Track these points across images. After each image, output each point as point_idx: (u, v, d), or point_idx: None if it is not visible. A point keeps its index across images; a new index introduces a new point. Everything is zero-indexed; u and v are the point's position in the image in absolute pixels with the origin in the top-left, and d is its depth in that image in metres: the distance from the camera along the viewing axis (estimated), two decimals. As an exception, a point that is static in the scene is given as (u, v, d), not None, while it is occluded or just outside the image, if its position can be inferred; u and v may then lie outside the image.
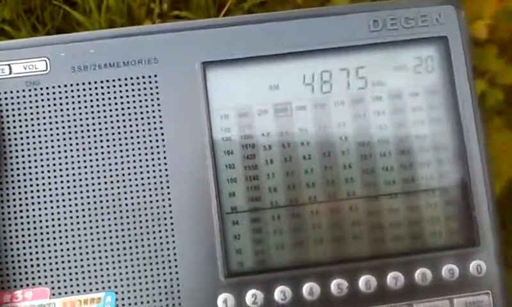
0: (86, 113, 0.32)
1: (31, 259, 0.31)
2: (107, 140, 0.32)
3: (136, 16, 0.44)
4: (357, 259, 0.32)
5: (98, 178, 0.32)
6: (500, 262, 0.32)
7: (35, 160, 0.31)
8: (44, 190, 0.31)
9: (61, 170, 0.31)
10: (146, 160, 0.32)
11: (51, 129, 0.32)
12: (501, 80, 0.43)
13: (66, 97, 0.32)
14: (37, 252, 0.31)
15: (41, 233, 0.31)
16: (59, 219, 0.31)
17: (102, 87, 0.32)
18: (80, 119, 0.32)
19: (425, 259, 0.32)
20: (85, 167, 0.32)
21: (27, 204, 0.31)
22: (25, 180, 0.31)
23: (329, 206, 0.32)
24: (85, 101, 0.32)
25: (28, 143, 0.32)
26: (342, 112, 0.33)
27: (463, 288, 0.31)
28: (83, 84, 0.32)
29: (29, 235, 0.31)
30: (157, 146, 0.32)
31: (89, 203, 0.31)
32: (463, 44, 0.33)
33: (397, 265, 0.31)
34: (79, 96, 0.32)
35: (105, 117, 0.32)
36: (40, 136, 0.32)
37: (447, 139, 0.33)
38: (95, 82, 0.32)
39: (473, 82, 0.33)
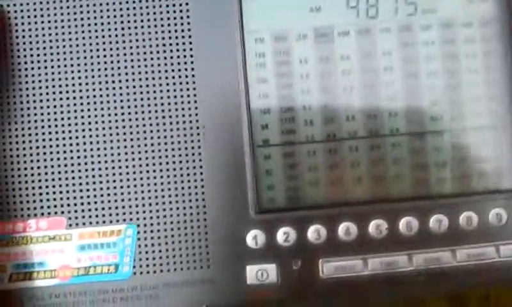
0: (109, 30, 0.29)
1: (46, 187, 0.29)
2: (132, 60, 0.29)
3: None
4: (398, 200, 0.29)
5: (121, 101, 0.29)
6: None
7: (53, 79, 0.29)
8: (62, 112, 0.29)
9: (80, 91, 0.29)
10: (174, 83, 0.29)
11: (71, 46, 0.29)
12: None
13: (88, 5, 0.29)
14: (53, 179, 0.29)
15: (58, 158, 0.29)
16: (77, 144, 0.29)
17: (127, 2, 0.29)
18: (103, 37, 0.29)
19: (472, 202, 0.29)
20: (107, 88, 0.29)
21: (43, 127, 0.29)
22: (41, 101, 0.29)
23: (370, 142, 0.30)
24: (108, 16, 0.29)
25: (45, 60, 0.29)
26: (388, 40, 0.30)
27: (511, 235, 0.29)
28: None
29: (45, 160, 0.29)
30: (186, 69, 0.29)
31: (110, 128, 0.29)
32: (524, -30, 0.30)
33: (441, 207, 0.29)
34: (101, 11, 0.29)
35: (130, 35, 0.29)
36: (58, 53, 0.29)
37: (499, 75, 0.30)
38: None
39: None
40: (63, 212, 0.29)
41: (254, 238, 0.29)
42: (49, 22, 0.29)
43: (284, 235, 0.29)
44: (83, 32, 0.29)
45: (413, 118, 0.30)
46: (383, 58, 0.30)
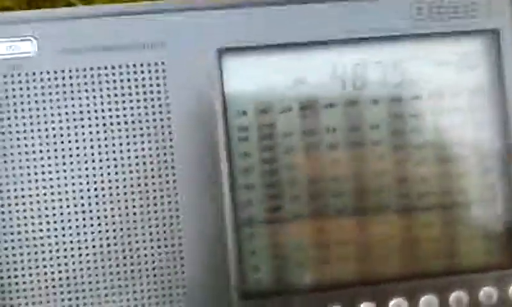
0: (80, 106, 0.27)
1: None
2: (105, 138, 0.27)
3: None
4: (387, 281, 0.28)
5: (95, 182, 0.27)
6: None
7: (19, 160, 0.27)
8: (30, 195, 0.27)
9: (50, 172, 0.27)
10: (151, 163, 0.27)
11: (38, 123, 0.27)
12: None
13: (57, 85, 0.27)
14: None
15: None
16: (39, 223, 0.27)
17: (98, 75, 0.27)
18: (73, 113, 0.27)
19: (462, 281, 0.28)
20: (79, 169, 0.27)
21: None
22: (7, 176, 0.27)
23: (358, 220, 0.28)
24: (79, 91, 0.27)
25: (10, 139, 0.27)
26: (376, 112, 0.29)
27: (502, 315, 0.28)
28: (76, 70, 0.27)
29: None
30: (164, 147, 0.27)
31: (84, 212, 0.27)
32: (516, 38, 0.29)
33: (431, 287, 0.28)
34: (71, 85, 0.27)
35: (102, 110, 0.27)
36: (24, 131, 0.27)
37: (491, 146, 0.29)
38: (91, 69, 0.27)
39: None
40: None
41: (238, 327, 0.27)
42: (21, 103, 0.27)
43: (269, 323, 0.27)
44: (52, 109, 0.27)
45: (401, 193, 0.29)
46: (371, 131, 0.29)
